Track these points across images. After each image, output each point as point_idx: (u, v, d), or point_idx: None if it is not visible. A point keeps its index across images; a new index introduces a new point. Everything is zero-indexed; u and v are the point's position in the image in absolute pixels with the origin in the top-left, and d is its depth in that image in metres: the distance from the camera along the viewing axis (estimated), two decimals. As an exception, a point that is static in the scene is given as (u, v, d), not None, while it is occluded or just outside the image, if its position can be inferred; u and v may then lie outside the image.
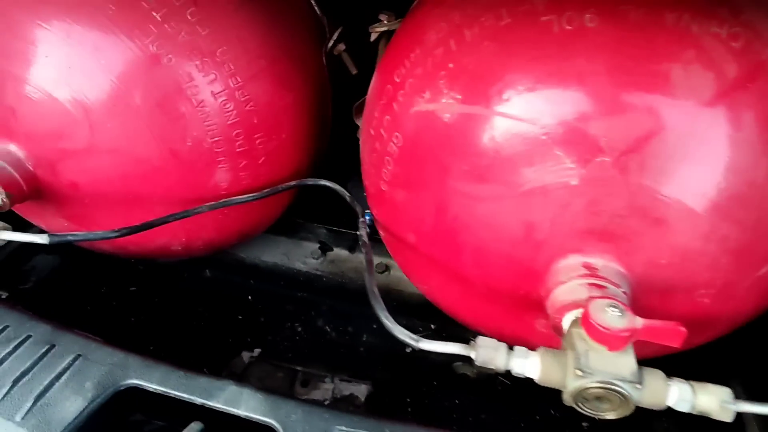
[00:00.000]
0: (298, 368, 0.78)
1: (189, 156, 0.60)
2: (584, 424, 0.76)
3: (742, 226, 0.42)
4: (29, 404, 0.45)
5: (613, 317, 0.38)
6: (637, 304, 0.44)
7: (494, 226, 0.47)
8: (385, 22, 0.67)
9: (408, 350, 0.86)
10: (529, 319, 0.53)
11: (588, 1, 0.40)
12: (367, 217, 0.97)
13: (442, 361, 0.85)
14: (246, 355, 0.79)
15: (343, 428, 0.46)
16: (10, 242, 0.48)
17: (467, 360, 0.85)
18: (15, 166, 0.56)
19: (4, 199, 0.55)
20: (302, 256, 0.98)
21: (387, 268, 0.95)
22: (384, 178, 0.56)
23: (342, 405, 0.70)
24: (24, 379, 0.48)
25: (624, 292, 0.43)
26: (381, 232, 0.66)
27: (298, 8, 0.71)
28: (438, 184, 0.50)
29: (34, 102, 0.54)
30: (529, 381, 0.80)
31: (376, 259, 0.98)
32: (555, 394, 0.80)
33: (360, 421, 0.46)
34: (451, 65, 0.46)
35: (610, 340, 0.38)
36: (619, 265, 0.44)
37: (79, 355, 0.50)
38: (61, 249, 0.94)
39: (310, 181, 0.70)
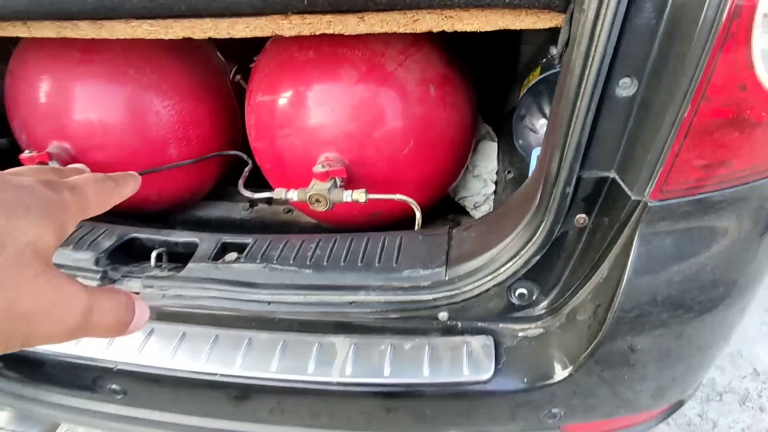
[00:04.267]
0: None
1: (154, 141, 1.16)
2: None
3: (391, 137, 0.99)
4: None
5: (321, 168, 0.94)
6: (355, 175, 1.01)
7: (294, 147, 1.04)
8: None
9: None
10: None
11: (309, 46, 0.98)
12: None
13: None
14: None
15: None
16: None
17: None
18: (67, 154, 1.12)
19: (63, 170, 1.11)
20: (238, 211, 1.54)
21: (290, 210, 1.51)
22: (252, 137, 1.14)
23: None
24: None
25: (344, 168, 1.00)
26: (261, 168, 1.22)
27: (208, 57, 1.29)
28: (270, 134, 1.07)
29: (77, 120, 1.10)
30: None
31: (286, 207, 1.54)
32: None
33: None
34: (268, 77, 1.04)
35: (321, 177, 0.94)
36: (342, 157, 1.01)
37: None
38: None
39: (222, 153, 1.27)
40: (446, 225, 1.44)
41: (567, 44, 0.67)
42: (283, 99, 1.01)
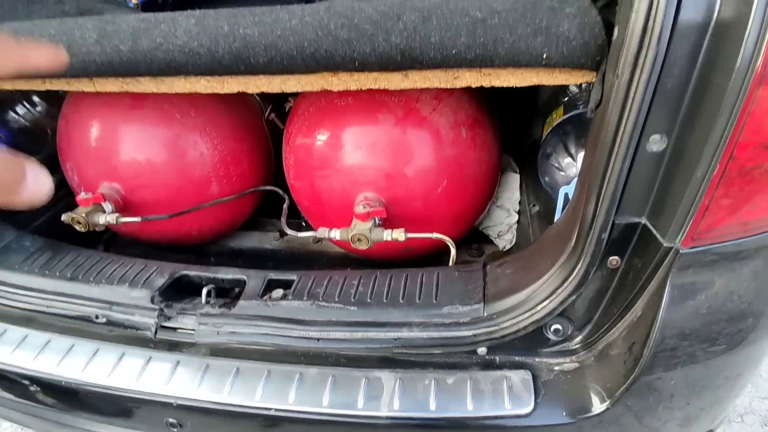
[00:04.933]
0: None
1: (198, 179, 1.23)
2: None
3: (426, 177, 1.05)
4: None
5: (362, 209, 1.00)
6: (392, 213, 1.07)
7: (333, 187, 1.10)
8: (291, 102, 1.32)
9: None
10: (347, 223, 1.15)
11: (348, 93, 1.05)
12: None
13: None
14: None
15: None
16: None
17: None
18: (118, 194, 1.19)
19: (113, 211, 1.17)
20: (270, 241, 1.60)
21: (319, 240, 1.57)
22: (290, 176, 1.20)
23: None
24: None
25: (381, 205, 1.05)
26: (298, 205, 1.28)
27: (246, 98, 1.37)
28: (309, 174, 1.13)
29: (128, 162, 1.17)
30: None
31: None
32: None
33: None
34: (307, 121, 1.11)
35: (362, 217, 1.00)
36: (380, 196, 1.07)
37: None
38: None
39: (261, 188, 1.33)
40: (471, 252, 1.49)
41: (600, 102, 0.73)
42: (323, 142, 1.08)
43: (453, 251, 1.02)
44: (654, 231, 0.71)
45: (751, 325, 0.73)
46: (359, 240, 0.98)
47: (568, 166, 1.07)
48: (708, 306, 0.71)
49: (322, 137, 1.08)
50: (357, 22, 0.75)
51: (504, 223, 1.46)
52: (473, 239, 1.49)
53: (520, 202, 1.45)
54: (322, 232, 1.03)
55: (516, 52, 0.73)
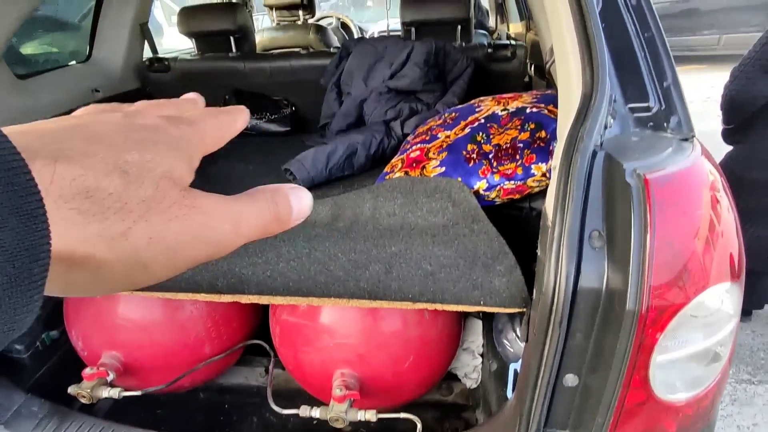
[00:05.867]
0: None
1: (193, 343, 1.37)
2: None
3: (394, 355, 1.21)
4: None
5: (339, 392, 1.15)
6: (365, 384, 1.22)
7: (313, 361, 1.26)
8: (277, 265, 1.49)
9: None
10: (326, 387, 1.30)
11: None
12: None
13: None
14: None
15: None
16: None
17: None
18: (119, 362, 1.32)
19: (115, 381, 1.30)
20: (256, 377, 1.73)
21: (302, 377, 1.70)
22: (277, 343, 1.35)
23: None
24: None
25: (356, 383, 1.21)
26: (283, 365, 1.42)
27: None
28: (293, 346, 1.28)
29: (129, 332, 1.32)
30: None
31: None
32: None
33: None
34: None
35: (339, 400, 1.15)
36: (354, 371, 1.22)
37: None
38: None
39: (249, 342, 1.48)
40: (442, 391, 1.64)
41: (527, 339, 0.91)
42: (305, 323, 1.24)
43: (419, 427, 1.17)
44: (574, 449, 0.88)
45: None
46: (336, 420, 1.13)
47: (514, 342, 1.24)
48: None
49: (304, 319, 1.24)
50: (332, 269, 0.94)
51: (470, 365, 1.62)
52: (444, 378, 1.64)
53: (483, 345, 1.62)
54: (304, 410, 1.18)
55: (459, 299, 0.91)
